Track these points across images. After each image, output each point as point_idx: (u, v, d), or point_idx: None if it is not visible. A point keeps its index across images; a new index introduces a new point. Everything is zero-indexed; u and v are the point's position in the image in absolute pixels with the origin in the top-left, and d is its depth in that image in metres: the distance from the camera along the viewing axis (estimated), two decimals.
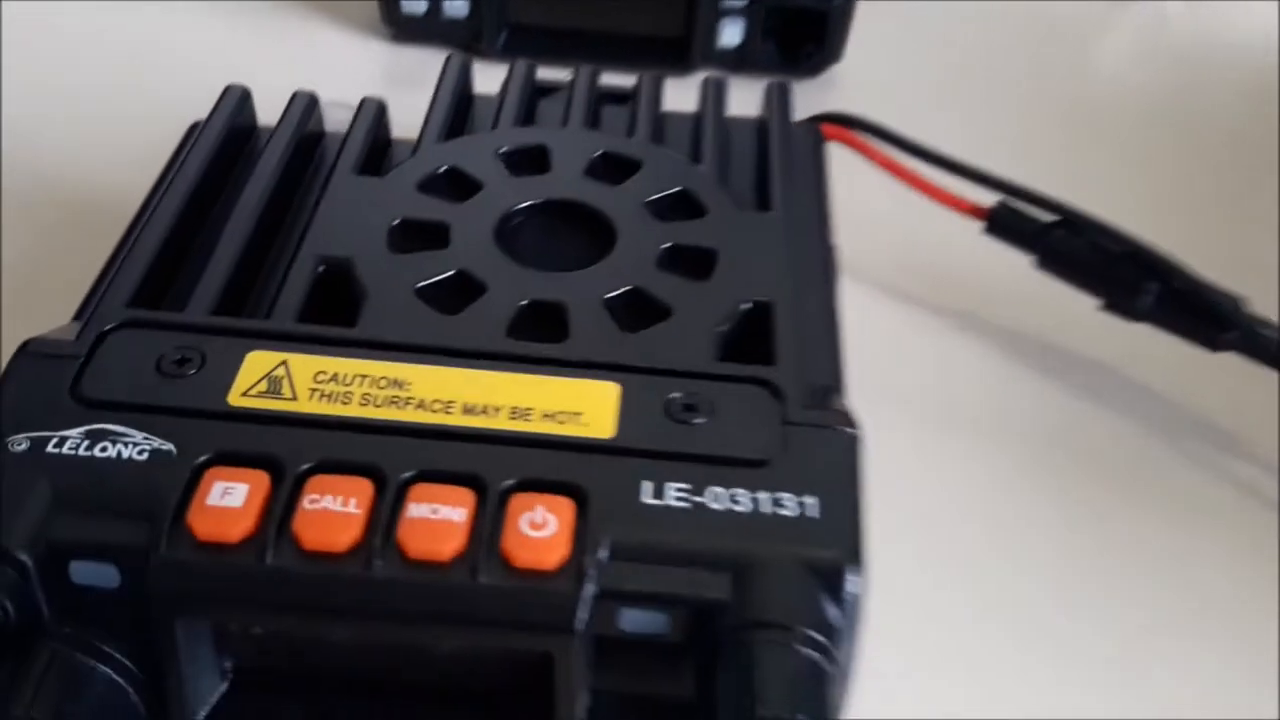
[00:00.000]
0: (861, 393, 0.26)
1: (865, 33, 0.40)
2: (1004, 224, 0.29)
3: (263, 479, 0.18)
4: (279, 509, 0.18)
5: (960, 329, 0.30)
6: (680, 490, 0.19)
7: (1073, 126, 0.39)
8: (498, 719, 0.19)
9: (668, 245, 0.24)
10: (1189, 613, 0.25)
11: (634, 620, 0.18)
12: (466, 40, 0.39)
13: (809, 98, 0.38)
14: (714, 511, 0.19)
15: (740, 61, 0.39)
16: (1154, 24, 0.45)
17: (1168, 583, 0.26)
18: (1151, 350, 0.29)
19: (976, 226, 0.30)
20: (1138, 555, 0.26)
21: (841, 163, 0.31)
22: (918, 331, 0.30)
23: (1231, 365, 0.28)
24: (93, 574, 0.18)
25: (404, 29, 0.39)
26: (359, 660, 0.20)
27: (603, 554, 0.18)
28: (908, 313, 0.31)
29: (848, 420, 0.20)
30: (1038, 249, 0.29)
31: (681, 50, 0.39)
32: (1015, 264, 0.30)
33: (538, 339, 0.21)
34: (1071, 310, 0.29)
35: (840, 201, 0.29)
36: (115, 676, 0.18)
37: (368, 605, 0.18)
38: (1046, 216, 0.29)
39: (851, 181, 0.30)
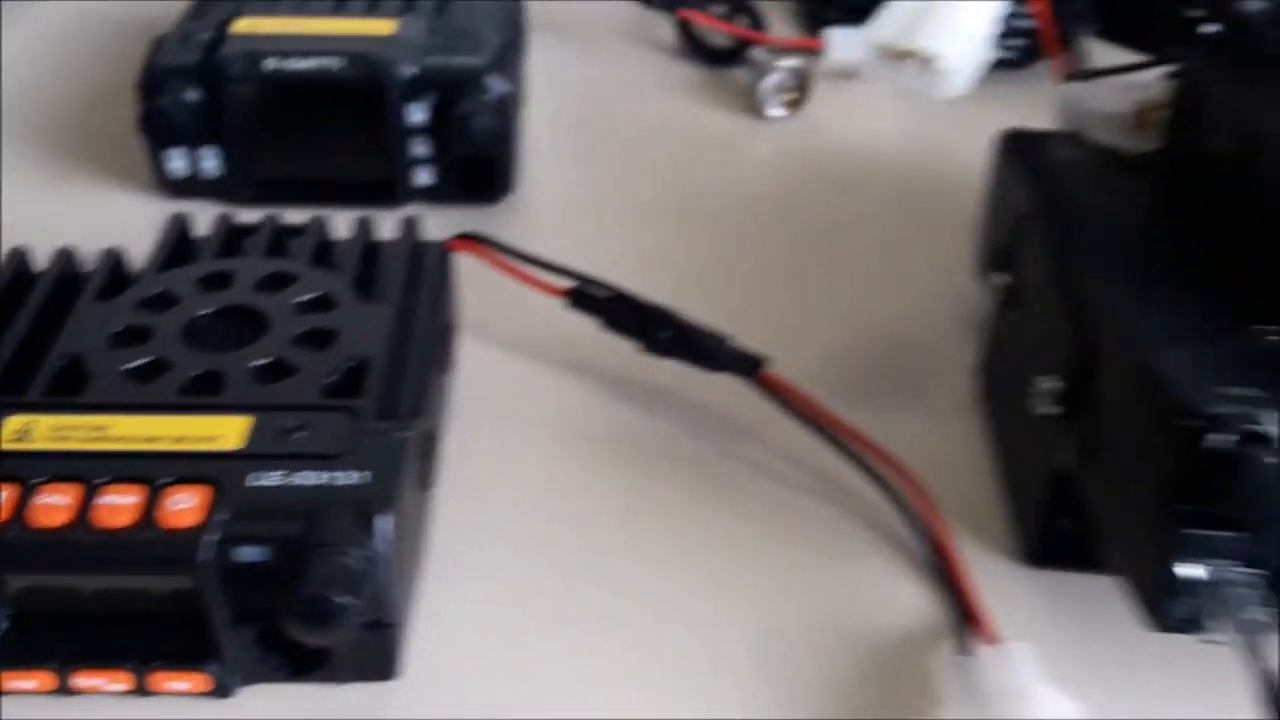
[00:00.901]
0: (491, 415, 0.39)
1: (547, 160, 0.54)
2: (578, 301, 0.42)
3: (14, 489, 0.30)
4: (21, 506, 0.29)
5: (561, 370, 0.43)
6: (279, 475, 0.31)
7: (694, 225, 0.52)
8: (194, 636, 0.31)
9: (303, 330, 0.36)
10: (718, 561, 0.37)
11: (245, 554, 0.30)
12: (223, 193, 0.51)
13: (490, 221, 0.50)
14: (300, 485, 0.30)
15: (436, 197, 0.51)
16: (784, 139, 0.58)
17: (702, 541, 0.38)
18: (681, 376, 0.41)
19: (562, 303, 0.42)
20: (684, 523, 0.38)
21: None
22: (531, 373, 0.43)
23: (733, 382, 0.40)
24: None
25: (172, 188, 0.51)
26: (97, 605, 0.31)
27: (224, 516, 0.30)
28: (523, 361, 0.43)
29: (404, 429, 0.33)
30: (601, 316, 0.42)
31: (389, 191, 0.51)
32: (590, 326, 0.42)
33: (202, 395, 0.33)
34: (628, 353, 0.41)
35: (482, 291, 0.42)
36: None
37: (73, 561, 0.29)
38: (605, 294, 0.42)
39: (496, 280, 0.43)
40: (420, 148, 0.50)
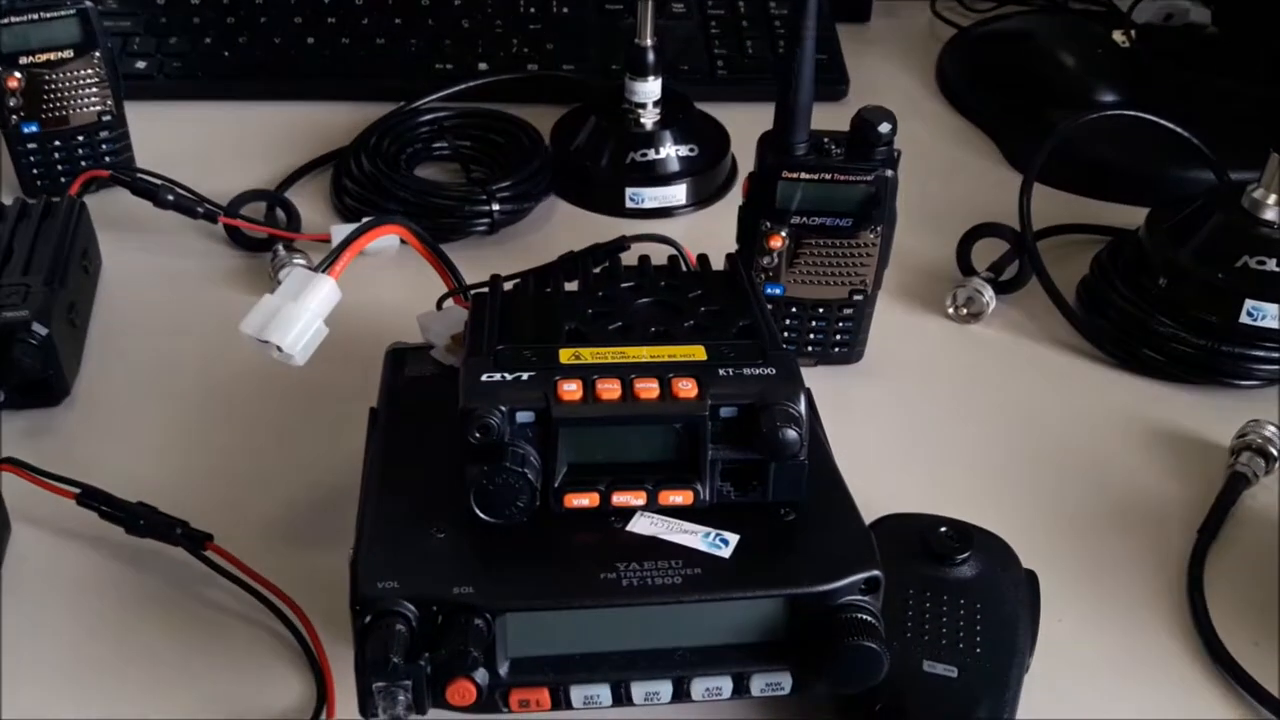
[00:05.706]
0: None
1: (110, 353, 0.74)
2: (82, 501, 0.61)
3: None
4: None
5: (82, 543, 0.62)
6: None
7: (212, 403, 0.71)
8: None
9: None
10: None
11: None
12: None
13: (52, 418, 0.69)
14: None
15: (9, 406, 0.69)
16: None
17: None
18: (162, 546, 0.61)
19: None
20: (149, 645, 0.58)
21: None
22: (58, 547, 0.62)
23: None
24: None
25: None
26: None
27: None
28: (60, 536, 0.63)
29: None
30: (97, 510, 0.61)
31: None
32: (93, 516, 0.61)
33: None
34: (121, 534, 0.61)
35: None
36: None
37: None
38: (101, 498, 0.61)
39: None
40: None
